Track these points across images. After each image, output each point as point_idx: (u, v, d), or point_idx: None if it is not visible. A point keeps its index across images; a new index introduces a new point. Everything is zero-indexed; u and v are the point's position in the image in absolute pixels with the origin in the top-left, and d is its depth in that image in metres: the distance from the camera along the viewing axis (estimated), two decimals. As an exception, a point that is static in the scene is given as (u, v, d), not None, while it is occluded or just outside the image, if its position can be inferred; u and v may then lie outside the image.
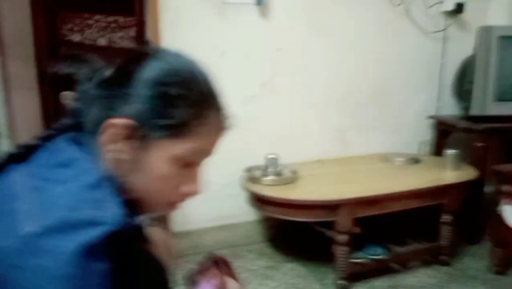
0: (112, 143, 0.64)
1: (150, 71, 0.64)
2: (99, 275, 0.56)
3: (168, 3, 1.99)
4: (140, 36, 2.21)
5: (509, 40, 2.19)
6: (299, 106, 2.34)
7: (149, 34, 2.11)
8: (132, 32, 2.27)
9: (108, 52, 2.25)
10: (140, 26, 2.21)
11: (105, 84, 0.64)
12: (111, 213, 0.58)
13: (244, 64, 2.17)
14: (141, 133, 0.63)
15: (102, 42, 2.27)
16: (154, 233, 0.95)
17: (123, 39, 2.29)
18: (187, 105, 0.65)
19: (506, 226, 1.94)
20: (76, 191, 0.59)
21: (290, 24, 2.25)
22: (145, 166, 0.66)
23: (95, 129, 0.64)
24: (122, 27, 2.26)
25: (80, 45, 2.25)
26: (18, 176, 0.62)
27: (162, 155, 0.65)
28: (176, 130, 0.65)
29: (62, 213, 0.56)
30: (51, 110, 2.34)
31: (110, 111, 0.63)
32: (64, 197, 0.58)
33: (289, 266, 2.10)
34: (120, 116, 0.63)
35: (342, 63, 2.40)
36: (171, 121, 0.64)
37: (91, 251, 0.55)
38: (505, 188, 2.00)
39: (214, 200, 2.15)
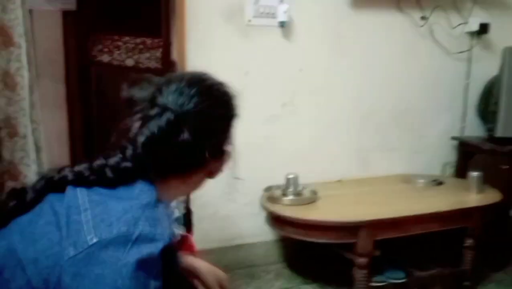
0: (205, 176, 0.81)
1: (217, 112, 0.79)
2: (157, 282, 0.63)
3: (194, 25, 2.05)
4: (166, 57, 2.28)
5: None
6: (320, 126, 2.36)
7: (175, 55, 2.18)
8: (158, 53, 2.36)
9: (135, 72, 2.32)
10: (167, 48, 2.28)
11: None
12: (165, 231, 0.66)
13: (266, 84, 2.21)
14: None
15: (129, 62, 2.36)
16: (196, 261, 1.04)
17: (150, 60, 2.37)
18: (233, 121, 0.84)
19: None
20: (136, 208, 0.66)
21: (313, 45, 2.27)
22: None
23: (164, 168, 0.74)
24: (149, 48, 2.35)
25: (108, 65, 2.34)
26: (83, 191, 0.68)
27: (222, 164, 0.83)
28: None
29: (123, 227, 0.62)
30: (78, 129, 2.42)
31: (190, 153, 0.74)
32: (125, 213, 0.64)
33: (308, 288, 2.09)
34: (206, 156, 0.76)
35: (364, 83, 2.41)
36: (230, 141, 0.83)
37: (147, 266, 0.60)
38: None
39: (233, 219, 2.18)
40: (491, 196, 2.11)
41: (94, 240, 0.60)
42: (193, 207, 2.04)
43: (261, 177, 2.14)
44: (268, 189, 2.13)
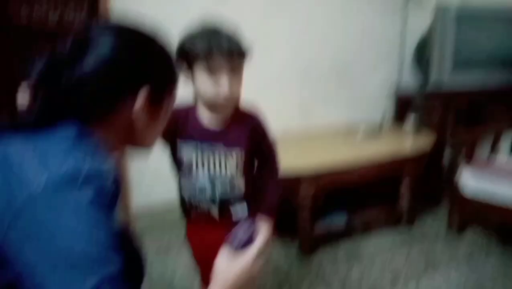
0: (137, 112, 0.73)
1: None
2: (112, 218, 0.65)
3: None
4: (93, 8, 2.15)
5: (463, 17, 2.25)
6: (259, 81, 2.34)
7: (101, 7, 2.06)
8: (84, 4, 2.20)
9: (59, 29, 2.18)
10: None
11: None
12: (111, 167, 0.68)
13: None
14: (155, 95, 0.76)
15: (53, 17, 2.21)
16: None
17: (75, 13, 2.23)
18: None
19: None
20: (79, 147, 0.67)
21: (248, 1, 2.24)
22: (157, 114, 0.79)
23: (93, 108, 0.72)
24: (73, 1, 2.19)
25: (29, 22, 2.18)
26: (14, 139, 0.67)
27: (171, 100, 0.81)
28: (173, 82, 0.81)
29: (71, 163, 0.62)
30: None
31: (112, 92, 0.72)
32: (70, 151, 0.65)
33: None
34: (135, 90, 0.73)
35: (303, 37, 2.41)
36: (170, 77, 0.80)
37: (101, 200, 0.63)
38: (462, 156, 2.07)
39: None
40: (427, 142, 2.20)
41: (43, 180, 0.59)
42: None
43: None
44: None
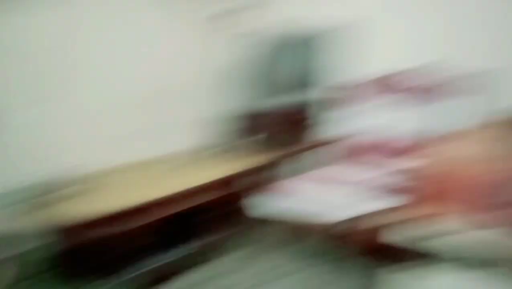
0: None
1: None
2: None
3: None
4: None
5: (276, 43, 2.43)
6: (72, 116, 2.10)
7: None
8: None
9: None
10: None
11: None
12: None
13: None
14: None
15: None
16: None
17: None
18: None
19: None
20: None
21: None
22: None
23: None
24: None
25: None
26: None
27: None
28: None
29: None
30: None
31: None
32: None
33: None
34: None
35: (119, 67, 2.27)
36: None
37: None
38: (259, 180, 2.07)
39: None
40: (257, 161, 2.23)
41: None
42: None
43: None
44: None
